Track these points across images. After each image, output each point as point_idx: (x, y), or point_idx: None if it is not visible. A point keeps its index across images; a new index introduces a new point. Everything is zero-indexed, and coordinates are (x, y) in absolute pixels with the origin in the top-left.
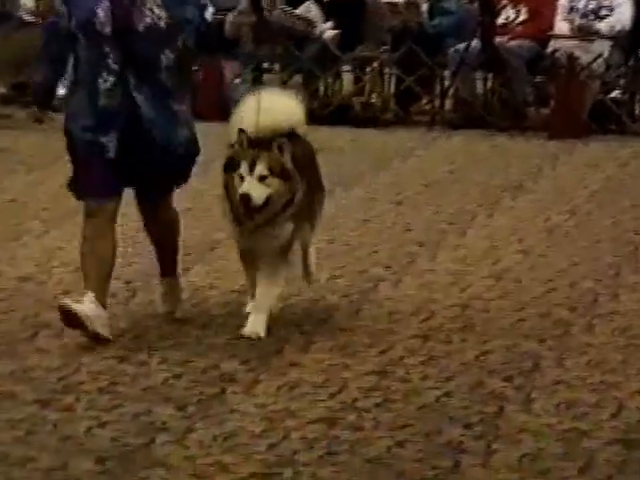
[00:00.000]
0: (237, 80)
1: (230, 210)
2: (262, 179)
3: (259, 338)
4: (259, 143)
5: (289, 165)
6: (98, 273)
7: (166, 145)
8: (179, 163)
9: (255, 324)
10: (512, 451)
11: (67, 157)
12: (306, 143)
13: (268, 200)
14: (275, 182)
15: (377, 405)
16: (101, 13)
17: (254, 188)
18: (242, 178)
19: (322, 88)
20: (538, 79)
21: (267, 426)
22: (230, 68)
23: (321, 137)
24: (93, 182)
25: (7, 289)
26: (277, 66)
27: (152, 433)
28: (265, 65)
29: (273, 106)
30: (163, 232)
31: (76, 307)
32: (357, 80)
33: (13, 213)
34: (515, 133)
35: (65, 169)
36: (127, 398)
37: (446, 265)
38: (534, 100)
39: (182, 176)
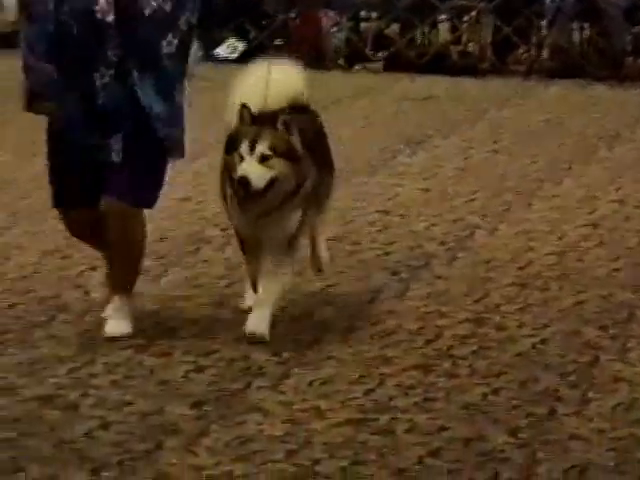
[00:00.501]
0: (334, 29)
1: (233, 195)
2: (264, 159)
3: (262, 339)
4: (263, 120)
5: (297, 145)
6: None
7: (168, 143)
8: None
9: (259, 321)
10: (607, 400)
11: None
12: (314, 115)
13: (272, 184)
14: (279, 163)
15: (473, 352)
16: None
17: (254, 169)
18: (242, 158)
19: (419, 37)
20: (636, 29)
21: (363, 372)
22: (327, 17)
23: (418, 86)
24: (77, 192)
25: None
26: (374, 14)
27: (248, 378)
28: (362, 14)
29: (274, 77)
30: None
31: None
32: (454, 29)
33: None
34: (612, 83)
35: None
36: (224, 343)
37: (542, 214)
38: (632, 50)
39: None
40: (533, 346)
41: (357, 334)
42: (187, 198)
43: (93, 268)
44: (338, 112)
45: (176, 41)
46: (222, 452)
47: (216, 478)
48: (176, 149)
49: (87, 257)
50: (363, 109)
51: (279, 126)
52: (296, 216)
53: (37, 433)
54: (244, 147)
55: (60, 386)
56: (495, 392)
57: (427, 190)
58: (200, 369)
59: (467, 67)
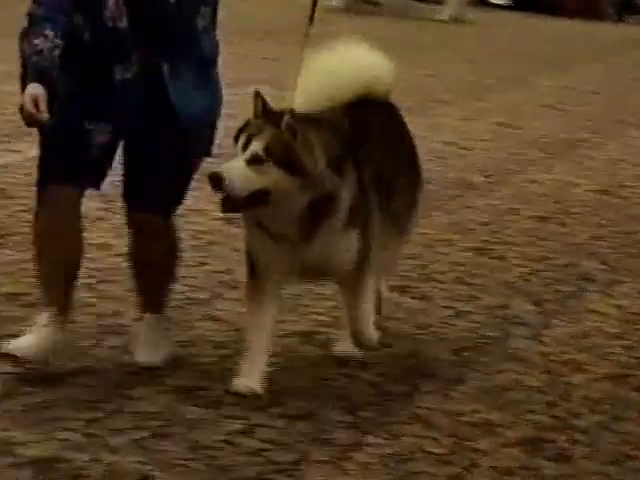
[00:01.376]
0: None
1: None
2: (254, 162)
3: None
4: (275, 115)
5: (304, 155)
6: (59, 277)
7: (200, 136)
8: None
9: (363, 342)
10: None
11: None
12: (391, 112)
13: (263, 196)
14: (273, 172)
15: None
16: (110, 1)
17: (237, 169)
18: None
19: None
20: None
21: (624, 328)
22: None
23: None
24: (63, 164)
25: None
26: None
27: (508, 327)
28: None
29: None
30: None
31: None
32: None
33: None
34: None
35: None
36: (484, 290)
37: None
38: None
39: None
40: None
41: (620, 289)
42: (452, 142)
43: None
44: (609, 64)
45: (209, 9)
46: (479, 399)
47: (473, 425)
48: (204, 149)
49: None
50: (635, 61)
51: (283, 127)
52: (350, 237)
53: (296, 368)
54: (240, 142)
55: (320, 323)
56: None
57: None
58: (460, 315)
59: None
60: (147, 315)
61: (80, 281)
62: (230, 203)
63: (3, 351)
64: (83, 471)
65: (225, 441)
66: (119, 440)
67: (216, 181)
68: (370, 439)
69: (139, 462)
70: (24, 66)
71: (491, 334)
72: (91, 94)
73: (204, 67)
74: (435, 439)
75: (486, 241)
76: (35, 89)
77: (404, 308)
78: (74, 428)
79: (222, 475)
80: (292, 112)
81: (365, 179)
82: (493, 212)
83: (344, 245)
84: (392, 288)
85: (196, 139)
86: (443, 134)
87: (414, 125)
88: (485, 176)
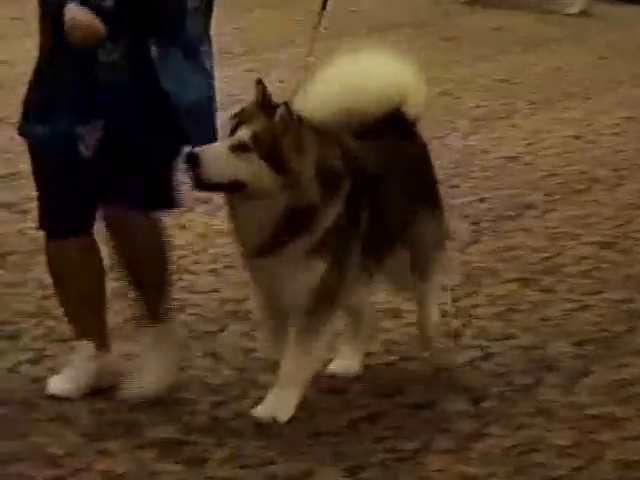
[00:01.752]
0: None
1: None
2: (238, 149)
3: (274, 421)
4: (271, 106)
5: (294, 156)
6: (90, 309)
7: (200, 124)
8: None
9: (278, 404)
10: None
11: None
12: (411, 138)
13: (238, 187)
14: (255, 164)
15: None
16: None
17: (215, 153)
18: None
19: None
20: None
21: None
22: None
23: None
24: (60, 208)
25: (494, 167)
26: None
27: (633, 321)
28: None
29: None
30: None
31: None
32: None
33: (503, 92)
34: None
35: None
36: (608, 284)
37: None
38: None
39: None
40: None
41: None
42: (578, 136)
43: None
44: None
45: None
46: (603, 393)
47: (596, 418)
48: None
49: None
50: None
51: (276, 120)
52: (313, 268)
53: (418, 358)
54: (229, 127)
55: (441, 313)
56: None
57: None
58: (584, 308)
59: None
60: (147, 328)
61: (206, 267)
62: (202, 183)
63: (48, 393)
64: (207, 454)
65: (348, 427)
66: (243, 424)
67: (192, 161)
68: (492, 430)
69: (262, 446)
70: (42, 13)
71: (615, 328)
72: (81, 93)
73: (192, 51)
74: (558, 431)
75: (611, 235)
76: (77, 6)
77: (528, 300)
78: (199, 411)
79: (344, 461)
80: (287, 105)
81: (361, 208)
82: (618, 206)
83: (305, 274)
84: (514, 280)
85: (196, 127)
86: (570, 128)
87: (540, 119)
88: (611, 170)
